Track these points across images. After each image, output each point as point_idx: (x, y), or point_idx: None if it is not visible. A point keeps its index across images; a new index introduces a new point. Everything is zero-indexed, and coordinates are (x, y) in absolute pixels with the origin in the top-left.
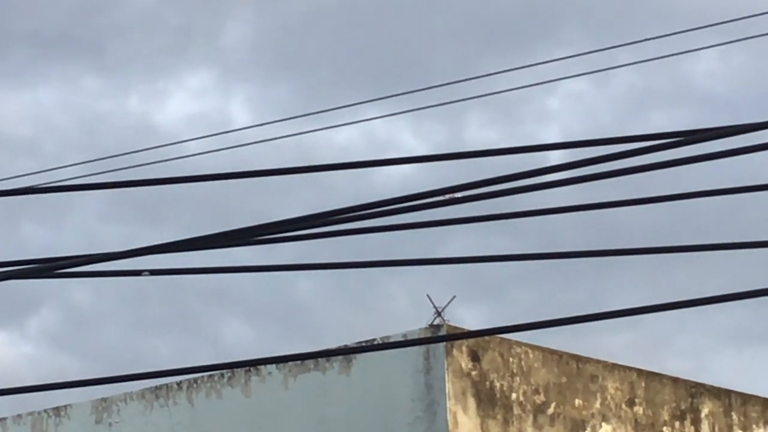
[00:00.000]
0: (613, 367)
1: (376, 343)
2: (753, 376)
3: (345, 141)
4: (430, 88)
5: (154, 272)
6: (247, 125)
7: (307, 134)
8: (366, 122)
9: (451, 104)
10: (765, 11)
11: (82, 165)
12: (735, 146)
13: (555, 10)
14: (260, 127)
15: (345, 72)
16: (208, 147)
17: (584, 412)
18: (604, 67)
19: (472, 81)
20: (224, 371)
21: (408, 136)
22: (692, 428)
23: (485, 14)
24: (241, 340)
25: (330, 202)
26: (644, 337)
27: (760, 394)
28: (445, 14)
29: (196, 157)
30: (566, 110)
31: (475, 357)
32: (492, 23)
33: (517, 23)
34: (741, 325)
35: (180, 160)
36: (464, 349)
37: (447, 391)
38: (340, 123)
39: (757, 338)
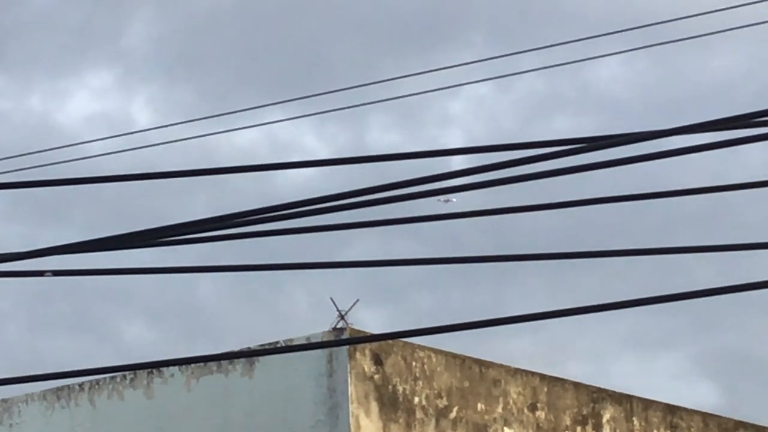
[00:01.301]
0: (516, 372)
1: (279, 345)
2: (651, 381)
3: (248, 143)
4: (334, 91)
5: (56, 273)
6: (149, 126)
7: (209, 136)
8: (269, 125)
9: (354, 108)
10: (667, 19)
11: None
12: (637, 153)
13: (459, 14)
14: (163, 129)
15: (247, 74)
16: (111, 148)
17: (486, 417)
18: (508, 73)
19: (376, 84)
20: (126, 373)
21: (311, 139)
22: None
23: (389, 17)
24: (144, 342)
25: (233, 205)
26: (546, 342)
27: (660, 400)
28: (348, 17)
29: (99, 157)
30: (469, 114)
31: (378, 360)
32: (395, 26)
33: (420, 27)
34: (640, 330)
35: (82, 160)
36: (367, 352)
37: (350, 394)
38: (243, 125)
39: (654, 343)
